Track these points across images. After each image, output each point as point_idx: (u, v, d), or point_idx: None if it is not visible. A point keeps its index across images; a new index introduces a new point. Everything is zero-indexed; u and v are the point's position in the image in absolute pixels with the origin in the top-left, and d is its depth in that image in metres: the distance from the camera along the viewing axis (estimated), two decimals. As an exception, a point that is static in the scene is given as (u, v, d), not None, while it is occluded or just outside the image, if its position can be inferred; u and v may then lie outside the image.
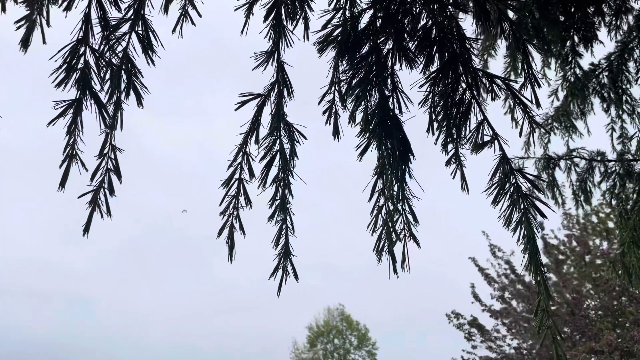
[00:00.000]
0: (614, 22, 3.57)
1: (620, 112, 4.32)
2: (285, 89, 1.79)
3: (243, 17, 1.78)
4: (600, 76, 4.12)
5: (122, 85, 1.56)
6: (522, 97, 1.81)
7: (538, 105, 1.84)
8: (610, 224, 11.03)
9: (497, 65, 3.74)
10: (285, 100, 1.79)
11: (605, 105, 4.30)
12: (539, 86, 1.85)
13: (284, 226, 1.74)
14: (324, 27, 1.85)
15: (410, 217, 1.86)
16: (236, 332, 42.14)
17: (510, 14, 2.11)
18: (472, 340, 12.18)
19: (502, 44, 3.70)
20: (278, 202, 1.73)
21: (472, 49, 1.81)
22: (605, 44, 3.77)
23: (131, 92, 1.57)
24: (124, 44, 1.59)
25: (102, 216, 1.59)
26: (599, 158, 4.43)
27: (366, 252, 1.88)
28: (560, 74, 3.99)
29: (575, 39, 3.48)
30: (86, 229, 1.60)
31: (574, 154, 4.54)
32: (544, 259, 11.88)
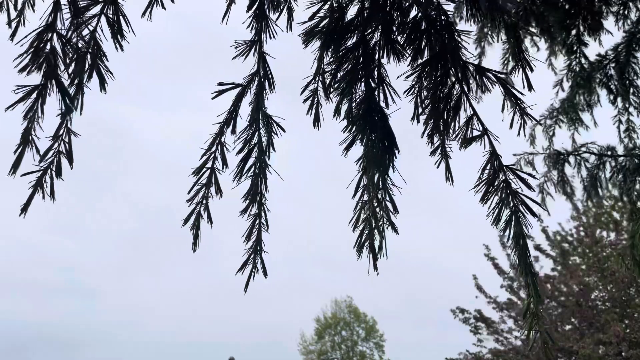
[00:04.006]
0: (621, 12, 3.47)
1: (627, 105, 4.23)
2: (266, 80, 1.73)
3: (224, 6, 1.72)
4: (607, 67, 4.02)
5: (86, 68, 1.52)
6: (513, 90, 1.74)
7: (530, 88, 1.76)
8: (617, 215, 10.88)
9: (496, 51, 3.65)
10: (267, 92, 1.73)
11: (612, 97, 4.21)
12: (531, 69, 1.76)
13: (257, 221, 1.69)
14: (311, 18, 1.78)
15: (390, 205, 1.79)
16: (241, 323, 42.04)
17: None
18: (478, 334, 12.06)
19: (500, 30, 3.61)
20: (252, 196, 1.67)
21: (461, 41, 1.74)
22: (613, 34, 3.68)
23: (94, 75, 1.53)
24: (92, 27, 1.54)
25: (43, 197, 1.54)
26: (609, 153, 4.35)
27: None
28: (565, 64, 3.90)
29: (581, 27, 3.38)
30: (24, 210, 1.55)
31: (583, 149, 4.46)
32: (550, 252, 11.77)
